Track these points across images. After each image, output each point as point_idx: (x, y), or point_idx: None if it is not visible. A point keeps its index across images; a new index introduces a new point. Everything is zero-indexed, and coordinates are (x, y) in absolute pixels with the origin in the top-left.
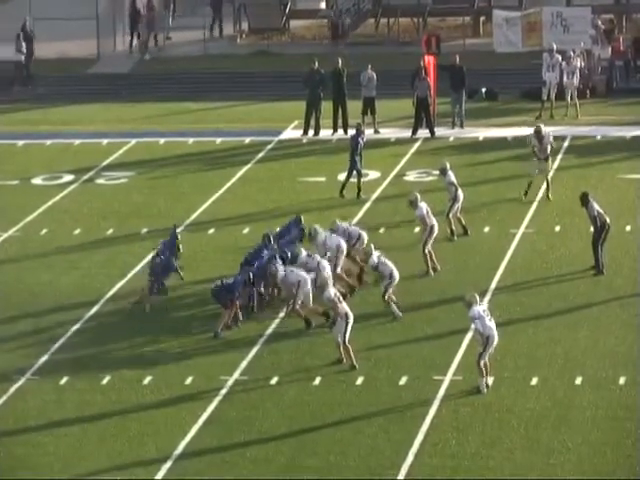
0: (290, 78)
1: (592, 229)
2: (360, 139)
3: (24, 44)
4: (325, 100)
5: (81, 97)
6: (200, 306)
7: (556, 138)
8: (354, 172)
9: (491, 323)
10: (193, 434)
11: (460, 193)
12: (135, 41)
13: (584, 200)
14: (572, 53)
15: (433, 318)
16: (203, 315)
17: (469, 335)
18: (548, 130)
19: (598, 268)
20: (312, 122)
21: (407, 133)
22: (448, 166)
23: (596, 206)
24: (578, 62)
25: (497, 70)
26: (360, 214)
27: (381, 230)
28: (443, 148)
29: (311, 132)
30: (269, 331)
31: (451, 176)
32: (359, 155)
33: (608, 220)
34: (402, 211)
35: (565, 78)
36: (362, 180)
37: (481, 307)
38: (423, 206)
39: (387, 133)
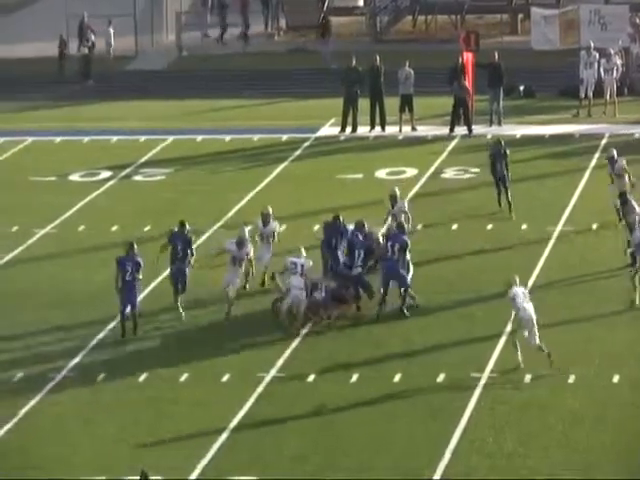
0: (327, 75)
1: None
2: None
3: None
4: (362, 97)
5: (119, 93)
6: (235, 302)
7: (593, 136)
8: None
9: (528, 305)
10: (229, 432)
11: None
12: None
13: (622, 199)
14: (611, 51)
15: (470, 315)
16: (237, 312)
17: (507, 332)
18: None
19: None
20: (349, 119)
21: (444, 130)
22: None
23: (636, 206)
24: (617, 60)
25: (535, 68)
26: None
27: (418, 227)
28: (480, 146)
29: (349, 129)
30: (305, 327)
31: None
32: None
33: None
34: (440, 209)
35: (603, 75)
36: (399, 178)
37: (520, 289)
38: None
39: (424, 130)
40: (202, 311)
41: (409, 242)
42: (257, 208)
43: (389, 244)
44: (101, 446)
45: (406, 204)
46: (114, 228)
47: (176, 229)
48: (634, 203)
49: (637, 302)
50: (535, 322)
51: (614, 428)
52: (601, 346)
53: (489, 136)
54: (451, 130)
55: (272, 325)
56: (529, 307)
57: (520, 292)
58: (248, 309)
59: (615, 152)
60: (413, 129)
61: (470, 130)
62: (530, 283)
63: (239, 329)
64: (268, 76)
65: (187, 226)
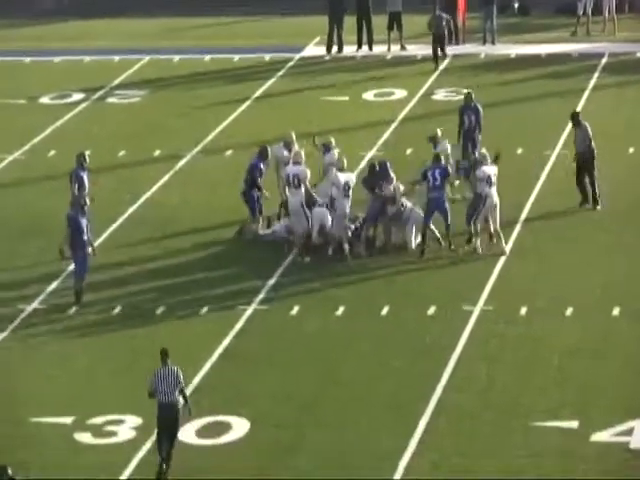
0: None
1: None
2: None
3: None
4: (349, 15)
5: (92, 10)
6: (208, 231)
7: (592, 55)
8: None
9: (493, 190)
10: (208, 368)
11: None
12: None
13: (575, 120)
14: None
15: (462, 245)
16: (216, 241)
17: (501, 262)
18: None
19: (591, 200)
20: (335, 39)
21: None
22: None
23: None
24: None
25: None
26: (386, 135)
27: (408, 152)
28: (473, 65)
29: (335, 49)
30: (288, 259)
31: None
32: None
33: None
34: (430, 132)
35: None
36: (387, 100)
37: (492, 169)
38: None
39: (414, 50)
40: (181, 240)
41: (450, 171)
42: (238, 132)
43: (430, 173)
44: (72, 382)
45: (448, 146)
46: (87, 153)
47: None
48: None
49: None
50: (498, 208)
51: (613, 364)
52: (600, 276)
53: (482, 55)
54: (437, 68)
55: (254, 254)
56: (494, 192)
57: (492, 174)
58: (227, 236)
59: (439, 132)
60: (402, 48)
61: (441, 60)
62: (525, 210)
63: (218, 259)
64: None
65: None
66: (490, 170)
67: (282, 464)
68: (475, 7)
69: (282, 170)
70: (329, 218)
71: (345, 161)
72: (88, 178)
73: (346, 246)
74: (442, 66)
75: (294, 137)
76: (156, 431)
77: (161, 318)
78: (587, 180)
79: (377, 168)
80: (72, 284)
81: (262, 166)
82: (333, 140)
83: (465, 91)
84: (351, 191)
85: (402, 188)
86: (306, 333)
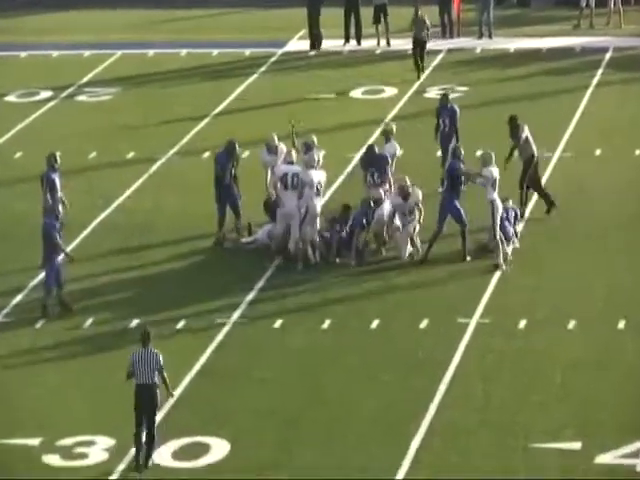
0: None
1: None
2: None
3: None
4: (337, 7)
5: (60, 2)
6: (184, 239)
7: (596, 50)
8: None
9: (496, 194)
10: (185, 385)
11: None
12: None
13: (513, 124)
14: None
15: (457, 254)
16: (195, 250)
17: (498, 273)
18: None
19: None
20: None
21: (427, 44)
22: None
23: (527, 133)
24: None
25: None
26: (375, 135)
27: (398, 153)
28: (468, 61)
29: (325, 43)
30: (271, 267)
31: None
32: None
33: (535, 151)
34: (422, 133)
35: None
36: (376, 98)
37: (496, 170)
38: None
39: (403, 44)
40: (155, 249)
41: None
42: (216, 132)
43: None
44: (40, 401)
45: (397, 147)
46: (58, 154)
47: None
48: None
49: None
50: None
51: (618, 379)
52: (604, 287)
53: (478, 50)
54: (418, 76)
55: (234, 263)
56: (497, 197)
57: (496, 174)
58: (206, 245)
59: (394, 126)
60: (388, 44)
61: (422, 70)
62: (526, 214)
63: (196, 269)
64: None
65: None
66: (496, 172)
67: None
68: None
69: (272, 173)
70: (297, 219)
71: (320, 159)
72: (60, 180)
73: (310, 252)
74: (435, 62)
75: (276, 139)
76: (134, 417)
77: (135, 332)
78: (531, 189)
79: (376, 151)
80: (42, 296)
81: (225, 160)
82: (315, 139)
83: (442, 91)
84: (322, 190)
85: (420, 194)
86: (290, 348)
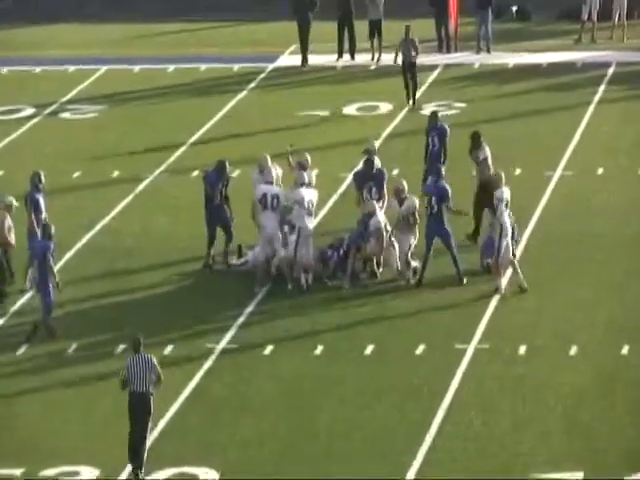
0: None
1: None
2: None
3: None
4: (330, 20)
5: (43, 15)
6: (172, 262)
7: (598, 65)
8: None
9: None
10: (173, 413)
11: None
12: None
13: (475, 141)
14: None
15: (453, 277)
16: (184, 273)
17: (497, 296)
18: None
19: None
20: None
21: (423, 58)
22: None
23: (488, 154)
24: None
25: None
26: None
27: (395, 172)
28: (466, 76)
29: (318, 58)
30: (262, 292)
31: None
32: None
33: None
34: (419, 151)
35: None
36: (371, 114)
37: (507, 191)
38: None
39: (400, 60)
40: (142, 271)
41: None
42: (205, 150)
43: (426, 198)
44: (23, 429)
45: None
46: (42, 173)
47: None
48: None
49: None
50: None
51: (622, 408)
52: (608, 311)
53: (476, 65)
54: (408, 102)
55: (224, 287)
56: (508, 216)
57: (507, 195)
58: (195, 268)
59: (376, 144)
60: (377, 60)
61: (414, 102)
62: (524, 238)
63: (184, 293)
64: None
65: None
66: (507, 193)
67: None
68: (469, 10)
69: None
70: (279, 239)
71: (313, 180)
72: (44, 201)
73: (303, 278)
74: (432, 77)
75: (269, 160)
76: (129, 419)
77: (120, 358)
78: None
79: (374, 164)
80: (28, 320)
81: (214, 180)
82: (309, 158)
83: (431, 110)
84: (313, 209)
85: (416, 202)
86: (281, 375)
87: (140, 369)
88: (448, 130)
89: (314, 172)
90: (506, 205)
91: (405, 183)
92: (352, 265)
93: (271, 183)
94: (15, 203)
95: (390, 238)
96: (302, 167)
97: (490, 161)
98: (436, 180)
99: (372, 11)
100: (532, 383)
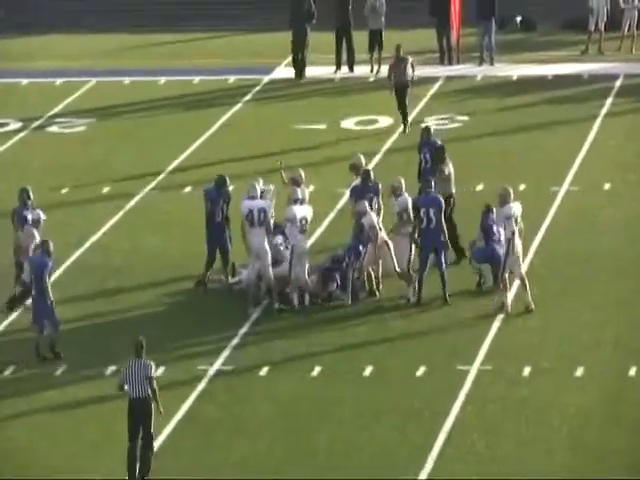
0: (285, 4)
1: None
2: None
3: None
4: (327, 31)
5: (32, 26)
6: (164, 281)
7: (606, 77)
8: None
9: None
10: (165, 436)
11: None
12: None
13: (440, 155)
14: None
15: (456, 297)
16: (176, 292)
17: (500, 315)
18: None
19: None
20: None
21: (424, 70)
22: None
23: (451, 170)
24: None
25: None
26: (370, 166)
27: None
28: (468, 89)
29: (315, 70)
30: (257, 311)
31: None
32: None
33: (454, 192)
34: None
35: (622, 4)
36: (370, 128)
37: (517, 206)
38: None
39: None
40: (133, 290)
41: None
42: (198, 166)
43: (422, 210)
44: (6, 456)
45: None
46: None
47: None
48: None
49: None
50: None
51: (629, 430)
52: (615, 331)
53: (479, 77)
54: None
55: (217, 306)
56: (517, 236)
57: (516, 210)
58: (187, 287)
59: (363, 160)
60: (377, 72)
61: (405, 125)
62: (529, 256)
63: (176, 313)
64: (211, 4)
65: None
66: (517, 209)
67: None
68: (471, 20)
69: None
70: (268, 258)
71: (306, 196)
72: (33, 217)
73: (297, 296)
74: (433, 90)
75: (261, 184)
76: (128, 431)
77: (111, 380)
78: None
79: (371, 180)
80: (15, 338)
81: (215, 196)
82: (303, 174)
83: (423, 125)
84: (307, 226)
85: (409, 201)
86: (277, 396)
87: (137, 374)
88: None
89: (309, 188)
90: (515, 221)
91: (402, 180)
92: (353, 278)
93: (254, 197)
94: (43, 217)
95: (384, 238)
96: (295, 183)
97: (452, 178)
98: (428, 193)
99: (373, 21)
100: (536, 405)
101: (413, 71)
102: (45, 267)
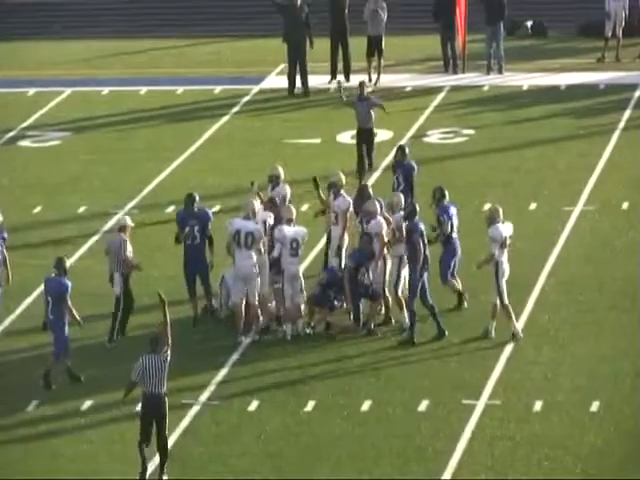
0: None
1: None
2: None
3: None
4: (323, 37)
5: (2, 31)
6: (145, 309)
7: (623, 87)
8: None
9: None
10: (150, 473)
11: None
12: None
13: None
14: None
15: (462, 325)
16: (156, 320)
17: (510, 346)
18: None
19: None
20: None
21: (427, 80)
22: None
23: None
24: None
25: None
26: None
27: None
28: (475, 100)
29: (309, 79)
30: (246, 340)
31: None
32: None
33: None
34: (422, 183)
35: None
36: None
37: (508, 228)
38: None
39: (401, 80)
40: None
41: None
42: (182, 183)
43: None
44: None
45: (349, 201)
46: None
47: None
48: None
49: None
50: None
51: None
52: (633, 363)
53: (486, 87)
54: (360, 180)
55: (203, 336)
56: (505, 259)
57: (506, 232)
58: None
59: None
60: (376, 82)
61: (370, 165)
62: (540, 281)
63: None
64: (198, 9)
65: None
66: (507, 230)
67: None
68: (478, 26)
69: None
70: (255, 278)
71: (294, 212)
72: (2, 240)
73: (290, 326)
74: (436, 101)
75: (256, 205)
76: (140, 427)
77: (89, 416)
78: None
79: (369, 195)
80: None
81: (181, 217)
82: (289, 191)
83: (399, 144)
84: (300, 249)
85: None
86: (267, 434)
87: (153, 369)
88: (416, 168)
89: (303, 207)
90: (502, 245)
91: (402, 196)
92: (361, 280)
93: (248, 218)
94: (130, 223)
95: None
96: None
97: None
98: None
99: (373, 27)
100: (548, 443)
101: (381, 107)
102: (64, 288)
